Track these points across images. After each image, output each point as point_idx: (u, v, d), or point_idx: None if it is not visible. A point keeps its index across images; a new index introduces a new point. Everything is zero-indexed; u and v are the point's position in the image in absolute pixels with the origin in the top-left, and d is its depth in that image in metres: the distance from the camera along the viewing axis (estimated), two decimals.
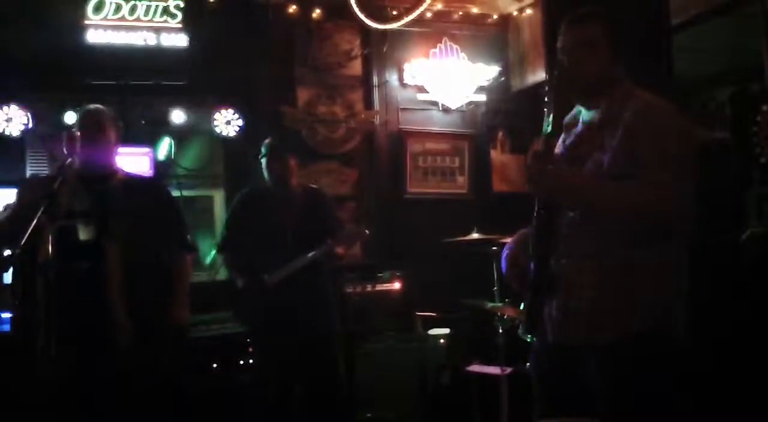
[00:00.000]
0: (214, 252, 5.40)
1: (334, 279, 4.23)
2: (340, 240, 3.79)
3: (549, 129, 2.19)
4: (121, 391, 2.98)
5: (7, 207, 3.11)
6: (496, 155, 6.12)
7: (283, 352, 3.82)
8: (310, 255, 3.76)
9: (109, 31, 4.94)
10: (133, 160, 4.79)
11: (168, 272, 3.24)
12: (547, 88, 2.20)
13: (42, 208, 2.63)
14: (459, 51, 5.97)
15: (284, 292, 3.78)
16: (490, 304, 4.18)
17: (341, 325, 4.13)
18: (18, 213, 2.90)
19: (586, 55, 2.21)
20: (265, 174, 3.98)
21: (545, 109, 2.21)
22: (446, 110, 5.97)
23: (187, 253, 3.40)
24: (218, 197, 5.55)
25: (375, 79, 5.82)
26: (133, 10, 4.98)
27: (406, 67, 5.85)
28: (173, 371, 3.41)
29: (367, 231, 3.88)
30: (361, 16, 5.45)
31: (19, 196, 3.10)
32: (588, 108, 2.26)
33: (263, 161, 3.97)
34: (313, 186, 4.25)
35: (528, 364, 2.48)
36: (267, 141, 4.05)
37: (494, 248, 4.13)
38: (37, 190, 2.83)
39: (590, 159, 2.16)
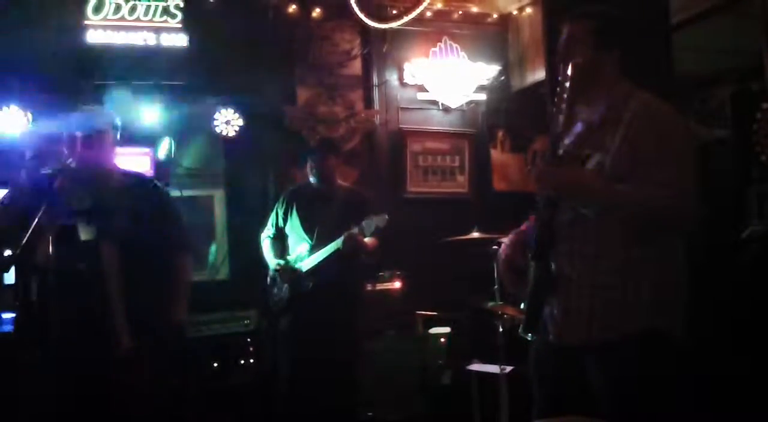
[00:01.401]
0: (214, 250, 5.43)
1: (364, 277, 4.35)
2: (362, 229, 3.83)
3: (559, 129, 2.18)
4: (121, 392, 2.98)
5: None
6: (496, 154, 6.11)
7: (302, 345, 3.94)
8: (332, 243, 3.88)
9: (109, 32, 4.94)
10: (134, 160, 4.78)
11: (166, 272, 3.22)
12: (559, 89, 2.19)
13: (42, 209, 2.63)
14: (459, 50, 5.97)
15: (313, 290, 3.94)
16: (490, 303, 4.18)
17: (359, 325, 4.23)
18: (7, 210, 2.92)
19: (571, 51, 2.23)
20: (310, 172, 4.16)
21: (555, 110, 2.19)
22: (446, 109, 5.97)
23: (185, 254, 3.38)
24: (218, 196, 5.55)
25: (375, 79, 5.82)
26: (132, 10, 4.98)
27: (406, 66, 5.85)
28: (171, 371, 3.41)
29: (386, 216, 3.90)
30: (361, 15, 5.44)
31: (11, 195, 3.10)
32: (587, 105, 2.26)
33: (309, 160, 4.15)
34: (357, 189, 4.34)
35: (528, 363, 2.48)
36: (314, 141, 4.15)
37: (494, 247, 4.12)
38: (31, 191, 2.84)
39: (592, 158, 2.16)
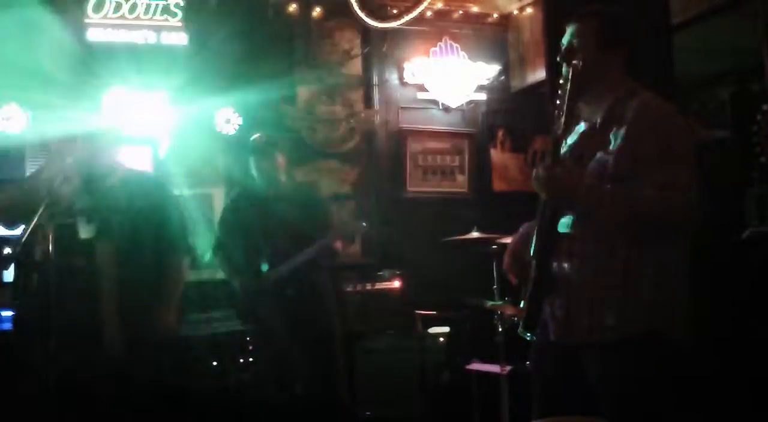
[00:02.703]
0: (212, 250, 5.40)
1: (332, 277, 4.22)
2: (336, 235, 3.76)
3: (559, 130, 2.18)
4: (117, 391, 2.97)
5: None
6: (496, 154, 6.11)
7: (283, 351, 3.82)
8: (306, 251, 3.74)
9: (110, 30, 4.95)
10: (134, 158, 4.78)
11: (163, 273, 3.20)
12: (560, 90, 2.19)
13: (43, 206, 2.63)
14: (459, 50, 5.98)
15: (283, 291, 3.78)
16: (489, 303, 4.18)
17: (341, 324, 4.13)
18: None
19: (575, 50, 2.23)
20: (254, 172, 3.95)
21: (556, 111, 2.19)
22: (446, 109, 5.97)
23: (183, 256, 3.36)
24: (218, 195, 5.54)
25: (375, 78, 5.82)
26: (133, 8, 4.99)
27: (407, 65, 5.85)
28: (164, 372, 3.39)
29: (364, 223, 3.84)
30: (361, 14, 5.45)
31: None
32: (589, 105, 2.27)
33: (251, 159, 3.94)
34: (305, 182, 4.17)
35: (528, 363, 2.48)
36: (254, 138, 4.00)
37: (494, 247, 4.13)
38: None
39: (593, 158, 2.16)
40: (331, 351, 3.92)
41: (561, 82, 2.19)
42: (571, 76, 2.18)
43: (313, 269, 3.83)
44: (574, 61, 2.19)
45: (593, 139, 2.20)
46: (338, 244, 3.82)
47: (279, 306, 3.77)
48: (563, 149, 2.29)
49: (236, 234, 3.94)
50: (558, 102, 2.19)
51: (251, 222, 3.90)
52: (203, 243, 5.35)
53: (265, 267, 3.87)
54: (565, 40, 2.28)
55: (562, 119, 2.17)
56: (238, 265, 3.92)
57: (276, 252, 3.82)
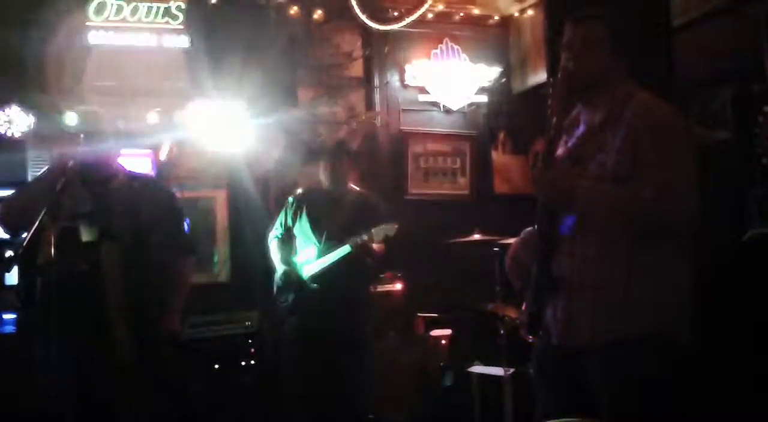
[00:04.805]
0: (215, 255, 5.41)
1: (369, 281, 4.31)
2: (371, 235, 3.81)
3: (553, 132, 2.19)
4: (120, 394, 2.98)
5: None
6: (497, 156, 6.12)
7: (308, 347, 3.88)
8: (343, 246, 3.82)
9: (111, 33, 4.95)
10: (135, 162, 4.79)
11: (167, 275, 3.22)
12: (550, 91, 2.21)
13: (44, 210, 2.64)
14: (460, 52, 5.98)
15: (319, 293, 3.88)
16: (491, 305, 4.18)
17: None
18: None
19: (589, 53, 2.22)
20: (322, 174, 4.11)
21: (548, 112, 2.21)
22: (447, 111, 5.97)
23: (188, 257, 3.37)
24: (220, 198, 5.55)
25: (376, 80, 5.82)
26: (134, 11, 4.99)
27: (408, 68, 5.86)
28: (168, 374, 3.40)
29: (396, 225, 3.89)
30: (363, 17, 5.46)
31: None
32: (589, 107, 2.27)
33: (322, 161, 4.11)
34: (368, 193, 4.28)
35: (530, 365, 2.48)
36: (327, 142, 4.16)
37: (495, 249, 4.14)
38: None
39: (593, 160, 2.16)
40: (362, 357, 3.96)
41: (552, 82, 2.20)
42: (561, 76, 2.18)
43: (351, 272, 3.89)
44: (566, 63, 2.19)
45: (592, 140, 2.20)
46: (376, 246, 3.87)
47: (316, 306, 3.88)
48: (563, 151, 2.29)
49: (293, 227, 4.11)
50: (550, 102, 2.20)
51: (311, 219, 4.05)
52: (205, 246, 5.39)
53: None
54: (565, 42, 2.28)
55: (554, 120, 2.18)
56: (286, 257, 4.09)
57: (324, 251, 3.95)
